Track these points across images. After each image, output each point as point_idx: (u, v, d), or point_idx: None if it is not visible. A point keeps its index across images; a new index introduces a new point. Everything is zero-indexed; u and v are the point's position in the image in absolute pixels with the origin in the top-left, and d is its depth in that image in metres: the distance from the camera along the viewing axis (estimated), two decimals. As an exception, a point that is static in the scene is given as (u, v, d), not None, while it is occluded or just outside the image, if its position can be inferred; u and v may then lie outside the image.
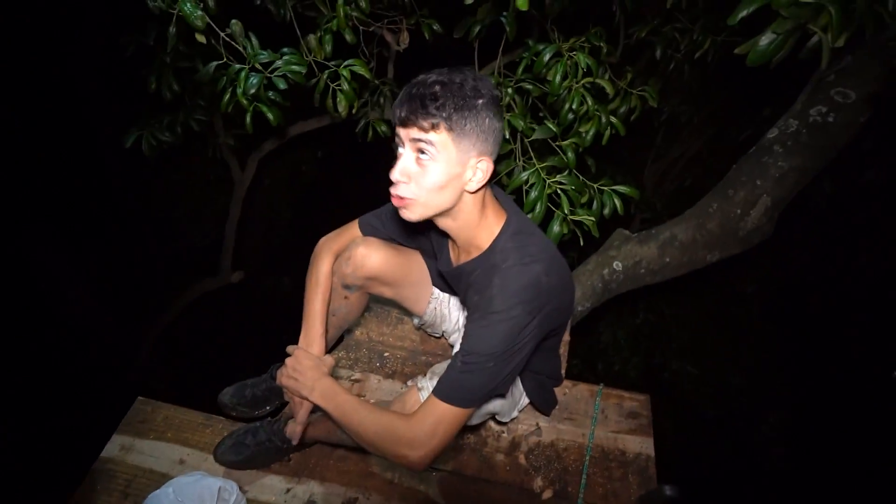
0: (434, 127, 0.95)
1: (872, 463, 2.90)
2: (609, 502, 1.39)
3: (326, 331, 1.37)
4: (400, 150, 1.02)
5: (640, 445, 1.51)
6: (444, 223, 1.10)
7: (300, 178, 4.23)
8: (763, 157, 1.65)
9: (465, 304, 1.19)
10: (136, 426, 1.54)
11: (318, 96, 1.78)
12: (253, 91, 1.54)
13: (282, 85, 1.57)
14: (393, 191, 1.02)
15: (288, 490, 1.40)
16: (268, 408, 1.52)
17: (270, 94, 1.63)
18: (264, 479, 1.42)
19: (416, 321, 1.60)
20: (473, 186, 1.02)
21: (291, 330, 1.51)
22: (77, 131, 3.12)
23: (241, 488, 1.33)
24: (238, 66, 1.56)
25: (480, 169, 1.01)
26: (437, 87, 0.94)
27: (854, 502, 2.86)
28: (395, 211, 1.36)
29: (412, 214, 1.04)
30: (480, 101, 0.96)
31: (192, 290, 3.64)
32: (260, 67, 1.56)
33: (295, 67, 1.55)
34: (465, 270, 1.13)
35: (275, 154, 3.38)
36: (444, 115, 0.94)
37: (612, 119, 1.68)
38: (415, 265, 1.40)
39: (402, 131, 0.99)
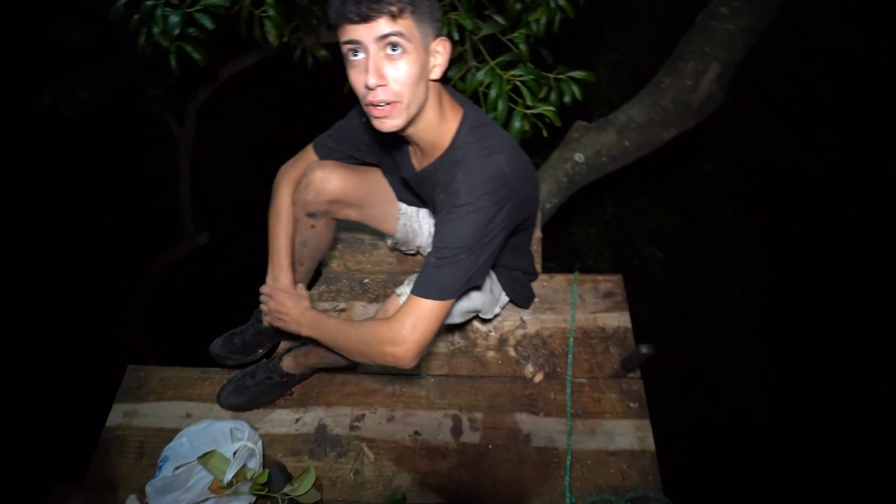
0: (401, 13, 0.87)
1: (830, 316, 3.19)
2: (595, 374, 1.51)
3: (297, 262, 1.37)
4: (357, 56, 0.92)
5: (618, 320, 1.62)
6: (407, 127, 1.05)
7: (245, 123, 3.97)
8: (710, 22, 1.62)
9: (433, 207, 1.19)
10: (133, 392, 1.56)
11: (243, 26, 1.62)
12: (176, 32, 1.38)
13: (207, 23, 1.41)
14: (371, 99, 0.93)
15: (297, 419, 1.47)
16: (260, 351, 1.55)
17: (192, 30, 1.46)
18: (272, 415, 1.48)
19: (388, 241, 1.60)
20: (438, 73, 0.98)
21: (265, 279, 1.50)
22: None
23: (251, 425, 1.39)
24: (150, 1, 1.38)
25: (440, 52, 0.97)
26: None
27: (814, 351, 3.18)
28: (349, 127, 1.31)
29: (397, 120, 0.96)
30: None
31: (160, 259, 3.53)
32: (175, 1, 1.39)
33: (218, 0, 1.39)
34: (428, 172, 1.12)
35: (213, 102, 3.14)
36: None
37: (561, 2, 1.59)
38: (376, 183, 1.38)
39: (361, 31, 0.88)
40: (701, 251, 3.69)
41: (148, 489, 1.22)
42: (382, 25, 0.87)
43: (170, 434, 1.43)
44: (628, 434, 1.40)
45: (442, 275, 0.99)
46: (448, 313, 1.05)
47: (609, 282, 1.71)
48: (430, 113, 1.03)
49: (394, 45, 0.89)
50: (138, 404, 1.53)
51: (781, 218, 3.56)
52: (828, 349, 3.16)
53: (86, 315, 3.15)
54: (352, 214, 1.36)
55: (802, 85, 3.11)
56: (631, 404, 1.45)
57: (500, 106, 1.50)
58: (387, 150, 1.27)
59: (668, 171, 3.60)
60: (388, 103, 0.94)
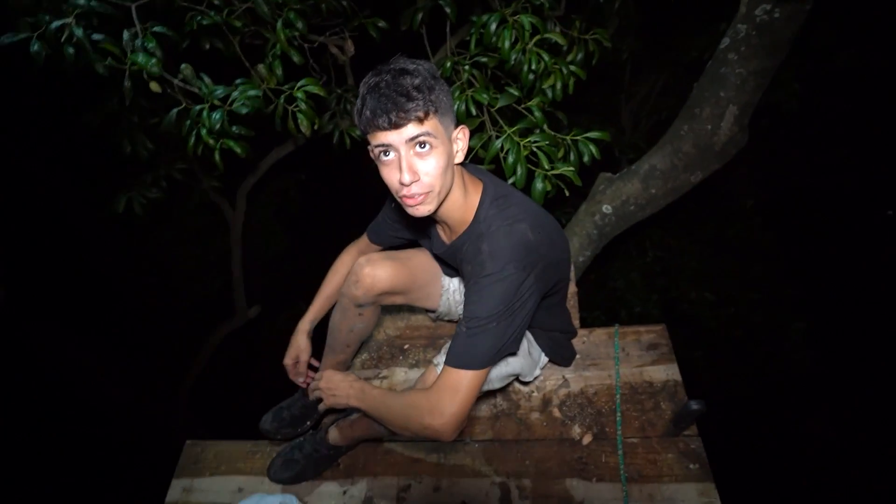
0: (427, 115, 0.95)
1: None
2: (647, 432, 1.44)
3: (345, 345, 1.46)
4: (389, 156, 0.99)
5: (666, 373, 1.55)
6: (438, 210, 1.13)
7: (289, 203, 4.29)
8: (720, 68, 1.66)
9: (462, 278, 1.24)
10: (190, 468, 1.61)
11: (278, 121, 1.82)
12: (217, 126, 1.58)
13: (244, 110, 1.60)
14: (405, 193, 1.01)
15: (344, 492, 1.47)
16: (308, 423, 1.59)
17: (234, 128, 1.66)
18: (320, 487, 1.49)
19: (431, 315, 1.64)
20: (461, 157, 1.06)
21: (314, 350, 1.58)
22: (61, 214, 3.20)
23: (300, 499, 1.40)
24: (198, 106, 1.60)
25: (461, 138, 1.05)
26: (405, 80, 0.94)
27: (881, 391, 2.88)
28: (387, 213, 1.42)
29: (428, 207, 1.03)
30: (435, 75, 1.00)
31: (214, 335, 3.73)
32: (218, 103, 1.59)
33: (251, 93, 1.58)
34: (456, 246, 1.18)
35: (260, 186, 3.43)
36: (430, 99, 0.95)
37: (573, 68, 1.70)
38: (420, 267, 1.43)
39: (391, 136, 0.96)
40: (748, 286, 3.50)
41: (203, 570, 1.23)
42: (411, 129, 0.96)
43: (226, 512, 1.47)
44: (692, 499, 1.30)
45: (474, 344, 1.01)
46: (485, 381, 1.06)
47: (652, 332, 1.66)
48: (456, 193, 1.10)
49: (422, 144, 0.98)
50: (195, 479, 1.58)
51: (824, 243, 3.35)
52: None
53: (145, 393, 3.33)
54: (398, 300, 1.41)
55: (827, 109, 3.05)
56: (691, 465, 1.36)
57: (519, 170, 1.58)
58: (420, 230, 1.35)
59: (703, 207, 3.52)
60: (422, 195, 1.02)
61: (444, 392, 1.01)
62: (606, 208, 1.87)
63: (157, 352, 3.63)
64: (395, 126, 0.95)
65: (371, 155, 1.04)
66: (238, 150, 1.65)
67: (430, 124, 0.97)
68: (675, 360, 1.58)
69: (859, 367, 3.03)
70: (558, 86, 1.71)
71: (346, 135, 2.41)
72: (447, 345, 1.29)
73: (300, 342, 1.48)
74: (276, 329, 3.82)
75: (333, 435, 1.44)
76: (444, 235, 1.27)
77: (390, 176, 1.02)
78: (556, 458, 1.43)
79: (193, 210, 3.53)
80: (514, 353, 1.26)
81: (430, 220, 1.23)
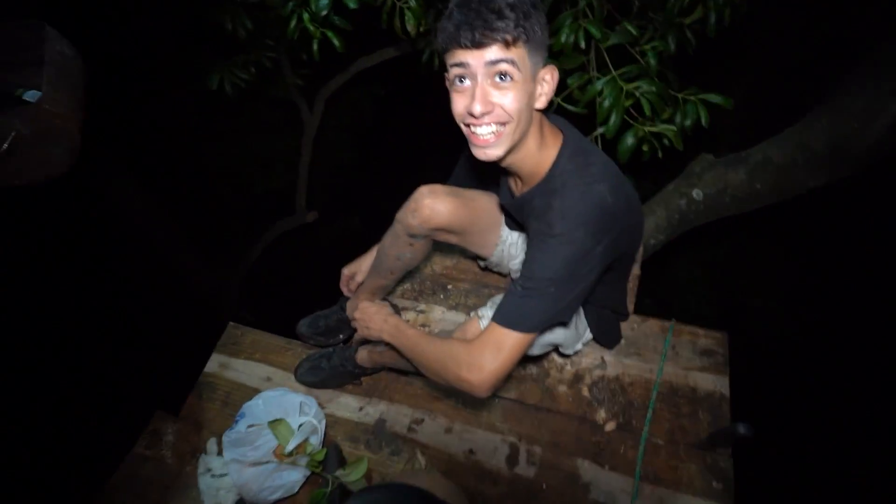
0: (515, 41, 0.84)
1: None
2: (675, 437, 1.36)
3: (388, 271, 1.43)
4: (464, 83, 0.90)
5: (714, 384, 1.44)
6: (510, 157, 1.03)
7: (363, 117, 4.24)
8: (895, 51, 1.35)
9: (527, 233, 1.15)
10: (229, 347, 1.73)
11: (385, 16, 1.70)
12: (324, 12, 1.50)
13: (352, 4, 1.51)
14: (475, 129, 0.92)
15: (361, 408, 1.52)
16: (340, 336, 1.63)
17: (337, 19, 1.59)
18: (340, 398, 1.55)
19: (480, 262, 1.59)
20: (543, 102, 0.95)
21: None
22: (152, 80, 3.31)
23: (319, 404, 1.47)
24: None
25: (547, 80, 0.94)
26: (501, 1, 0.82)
27: None
28: (465, 160, 1.33)
29: (498, 150, 0.94)
30: (535, 3, 0.87)
31: (271, 230, 3.91)
32: None
33: None
34: (525, 199, 1.08)
35: (338, 94, 3.38)
36: (524, 25, 0.83)
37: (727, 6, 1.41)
38: (483, 211, 1.35)
39: (471, 56, 0.86)
40: (821, 313, 3.14)
41: (225, 438, 1.34)
42: (494, 52, 0.85)
43: (251, 391, 1.58)
44: (704, 515, 1.24)
45: (527, 306, 0.95)
46: (530, 345, 1.01)
47: (711, 338, 1.53)
48: (531, 142, 0.99)
49: (503, 75, 0.87)
50: (231, 358, 1.70)
51: None
52: None
53: (200, 269, 3.60)
54: (452, 239, 1.35)
55: None
56: (714, 483, 1.28)
57: (613, 119, 1.38)
58: (490, 178, 1.25)
59: (797, 217, 3.10)
60: (491, 133, 0.92)
61: (487, 348, 0.97)
62: (698, 193, 1.67)
63: (218, 232, 3.88)
64: (478, 45, 0.84)
65: (447, 82, 0.94)
66: (336, 42, 1.58)
67: (517, 53, 0.85)
68: (727, 374, 1.45)
69: None
70: (712, 18, 1.44)
71: (437, 55, 2.27)
72: (494, 298, 1.24)
73: (364, 262, 1.51)
74: (330, 238, 3.95)
75: (361, 355, 1.47)
76: (514, 186, 1.17)
77: (461, 105, 0.92)
78: (574, 435, 1.40)
79: (272, 105, 3.57)
80: (564, 324, 1.19)
81: (501, 169, 1.13)
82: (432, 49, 2.28)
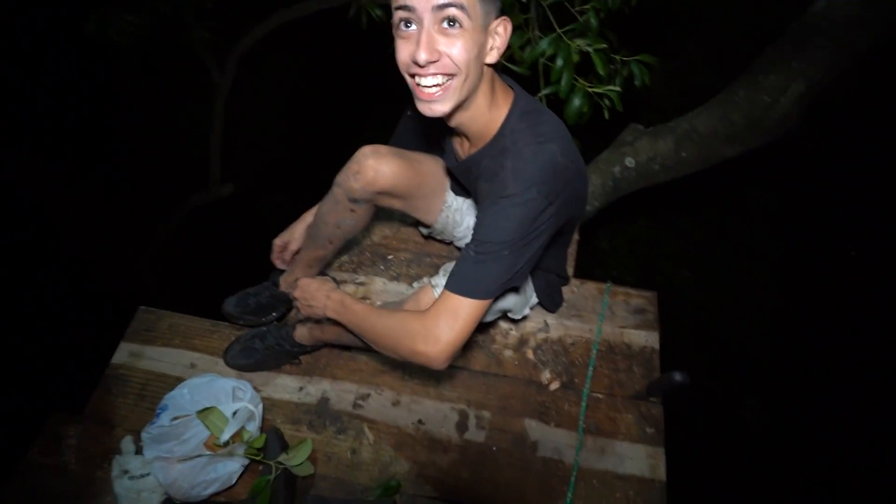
0: None
1: (855, 350, 3.04)
2: (614, 392, 1.44)
3: (327, 240, 1.33)
4: (409, 28, 0.83)
5: (646, 339, 1.53)
6: (457, 116, 0.97)
7: (284, 81, 3.90)
8: (804, 33, 1.47)
9: (476, 197, 1.11)
10: (142, 334, 1.53)
11: None
12: None
13: None
14: (419, 79, 0.86)
15: (301, 388, 1.43)
16: (273, 314, 1.51)
17: None
18: (276, 380, 1.44)
19: (423, 230, 1.53)
20: (495, 56, 0.89)
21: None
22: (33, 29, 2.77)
23: (254, 387, 1.36)
24: None
25: (500, 33, 0.88)
26: None
27: (837, 384, 3.05)
28: (408, 119, 1.24)
29: (445, 105, 0.88)
30: None
31: (182, 206, 3.52)
32: None
33: None
34: (473, 161, 1.04)
35: (256, 53, 3.07)
36: None
37: None
38: (428, 174, 1.28)
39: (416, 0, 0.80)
40: (731, 280, 3.55)
41: (144, 435, 1.19)
42: None
43: (172, 381, 1.41)
44: (640, 460, 1.33)
45: (482, 271, 0.91)
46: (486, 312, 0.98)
47: (643, 297, 1.62)
48: (481, 99, 0.94)
49: (451, 20, 0.80)
50: (145, 346, 1.51)
51: (824, 260, 3.38)
52: (845, 396, 3.04)
53: (102, 248, 3.16)
54: (396, 204, 1.27)
55: (878, 117, 2.90)
56: (647, 429, 1.38)
57: (565, 78, 1.37)
58: (435, 139, 1.19)
59: (708, 193, 3.43)
60: (437, 85, 0.86)
61: (442, 317, 0.92)
62: (629, 161, 1.74)
63: (118, 211, 3.41)
64: None
65: (392, 30, 0.86)
66: None
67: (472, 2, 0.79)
68: (657, 329, 1.56)
69: (809, 372, 3.19)
70: None
71: (365, 11, 2.11)
72: (444, 266, 1.19)
73: (297, 230, 1.41)
74: (252, 213, 3.64)
75: (300, 332, 1.37)
76: (459, 148, 1.12)
77: (405, 52, 0.84)
78: (520, 397, 1.42)
79: (177, 64, 3.14)
80: (516, 289, 1.18)
81: (447, 129, 1.07)
82: (360, 3, 2.12)
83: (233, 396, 1.26)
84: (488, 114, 0.97)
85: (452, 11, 0.79)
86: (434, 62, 0.83)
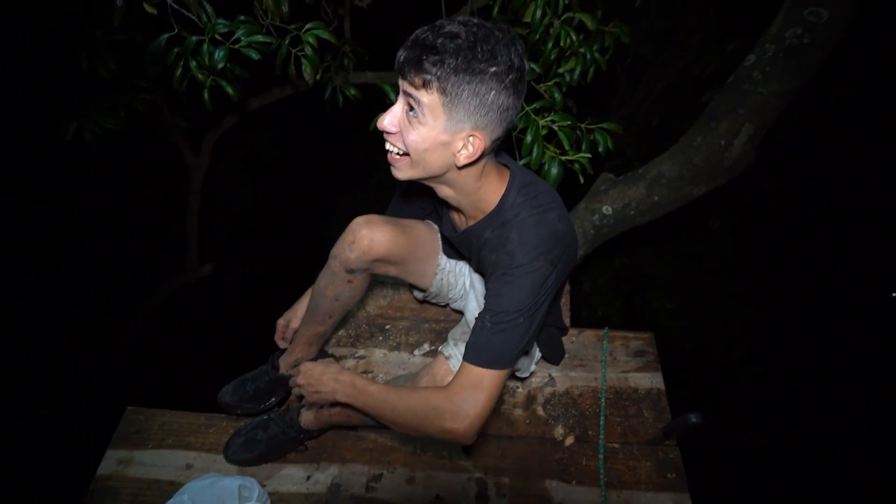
0: (425, 85, 0.83)
1: (833, 373, 3.14)
2: (629, 439, 1.42)
3: (327, 315, 1.32)
4: (395, 100, 0.92)
5: (651, 381, 1.54)
6: (441, 191, 1.03)
7: (260, 159, 3.97)
8: (743, 84, 1.64)
9: (479, 266, 1.14)
10: (130, 438, 1.44)
11: (279, 64, 1.62)
12: (220, 65, 1.38)
13: (254, 56, 1.41)
14: (385, 141, 0.95)
15: (308, 477, 1.35)
16: (273, 399, 1.45)
17: (236, 69, 1.47)
18: (282, 471, 1.36)
19: (418, 294, 1.54)
20: (461, 161, 0.91)
21: (273, 317, 1.45)
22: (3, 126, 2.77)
23: (259, 482, 1.28)
24: (196, 37, 1.39)
25: (471, 143, 0.89)
26: (443, 40, 0.80)
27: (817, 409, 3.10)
28: (404, 189, 1.30)
29: (401, 173, 0.96)
30: (492, 69, 0.81)
31: (161, 289, 3.43)
32: (220, 38, 1.39)
33: (259, 38, 1.39)
34: (473, 233, 1.08)
35: (231, 134, 3.14)
36: (437, 74, 0.81)
37: (596, 55, 1.61)
38: (421, 240, 1.32)
39: (401, 80, 0.87)
40: (709, 303, 3.65)
41: (143, 555, 1.09)
42: (407, 84, 0.85)
43: (166, 487, 1.32)
44: (667, 509, 1.30)
45: (501, 341, 0.93)
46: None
47: (640, 339, 1.65)
48: (467, 181, 0.98)
49: (412, 108, 0.87)
50: (134, 451, 1.41)
51: (790, 272, 3.55)
52: (837, 400, 3.09)
53: (81, 345, 3.00)
54: (391, 271, 1.29)
55: (816, 137, 3.17)
56: (668, 475, 1.35)
57: (536, 151, 1.48)
58: (431, 208, 1.24)
59: (677, 223, 3.61)
60: (394, 153, 0.94)
61: (468, 392, 0.92)
62: (607, 209, 1.83)
63: (97, 302, 3.28)
64: (399, 71, 0.86)
65: None
66: (231, 91, 1.46)
67: (429, 98, 0.84)
68: (660, 369, 1.57)
69: (797, 387, 3.25)
70: (577, 71, 1.63)
71: (340, 93, 2.22)
72: (452, 333, 1.20)
73: (299, 308, 1.40)
74: (231, 292, 3.57)
75: (307, 417, 1.32)
76: (457, 220, 1.17)
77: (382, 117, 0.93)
78: (537, 458, 1.38)
79: (152, 150, 3.18)
80: (527, 353, 1.19)
81: (441, 201, 1.12)
82: (335, 85, 2.24)
83: (239, 497, 1.18)
84: (479, 193, 1.01)
85: (412, 102, 0.87)
86: (391, 133, 0.92)
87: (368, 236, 1.17)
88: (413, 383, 1.13)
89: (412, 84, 0.84)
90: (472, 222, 1.08)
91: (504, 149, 1.19)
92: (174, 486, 1.27)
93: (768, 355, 3.39)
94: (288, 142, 3.96)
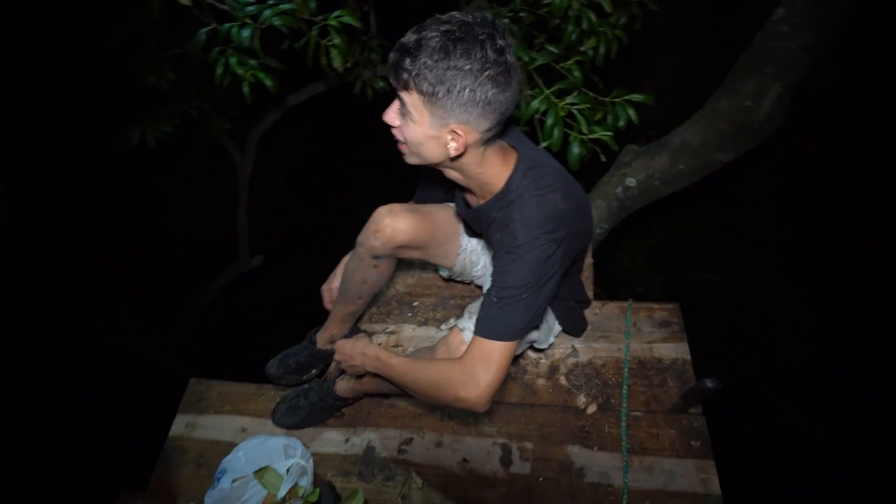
0: (405, 86, 0.89)
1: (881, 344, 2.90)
2: (652, 407, 1.44)
3: (356, 296, 1.42)
4: None
5: (676, 351, 1.55)
6: (448, 174, 1.10)
7: (300, 154, 4.19)
8: (769, 41, 1.57)
9: (488, 242, 1.20)
10: (194, 405, 1.63)
11: (310, 55, 1.72)
12: (247, 44, 1.50)
13: (277, 23, 1.51)
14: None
15: (346, 440, 1.48)
16: (314, 371, 1.59)
17: (272, 62, 1.59)
18: (323, 435, 1.50)
19: (443, 273, 1.62)
20: (451, 153, 0.97)
21: (316, 300, 1.58)
22: (68, 136, 3.12)
23: (303, 444, 1.42)
24: (227, 24, 1.52)
25: (458, 135, 0.93)
26: (418, 41, 0.85)
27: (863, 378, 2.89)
28: (426, 169, 1.39)
29: (408, 160, 1.05)
30: (466, 67, 0.84)
31: (216, 280, 3.73)
32: (248, 21, 1.51)
33: (285, 6, 1.50)
34: (483, 211, 1.13)
35: (271, 134, 3.34)
36: (413, 75, 0.86)
37: (617, 31, 1.60)
38: (442, 223, 1.39)
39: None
40: (754, 275, 3.49)
41: (207, 500, 1.25)
42: (395, 86, 0.93)
43: (226, 447, 1.49)
44: (690, 475, 1.31)
45: (506, 315, 0.99)
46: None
47: (665, 310, 1.64)
48: (468, 168, 1.04)
49: (403, 105, 0.94)
50: (199, 416, 1.60)
51: (835, 239, 3.31)
52: (885, 381, 2.87)
53: (147, 330, 3.35)
54: (415, 255, 1.38)
55: (863, 102, 2.93)
56: (692, 442, 1.36)
57: (556, 133, 1.51)
58: (448, 188, 1.31)
59: (716, 193, 3.46)
60: (399, 142, 1.02)
61: (478, 363, 0.99)
62: (630, 181, 1.82)
63: (159, 293, 3.64)
64: (389, 71, 0.94)
65: None
66: (268, 82, 1.58)
67: (410, 99, 0.91)
68: (685, 339, 1.57)
69: (852, 367, 3.06)
70: (601, 49, 1.62)
71: (369, 86, 2.32)
72: (469, 308, 1.27)
73: (339, 273, 1.51)
74: (278, 280, 3.82)
75: (342, 386, 1.44)
76: (469, 198, 1.23)
77: None
78: (559, 424, 1.44)
79: (201, 153, 3.45)
80: (537, 326, 1.25)
81: (453, 181, 1.18)
82: (363, 80, 2.33)
83: (285, 454, 1.33)
84: (483, 176, 1.07)
85: (399, 103, 0.95)
86: (394, 126, 1.00)
87: (391, 225, 1.25)
88: (431, 354, 1.22)
89: (396, 85, 0.92)
90: (482, 201, 1.14)
91: (528, 133, 1.24)
92: (232, 446, 1.43)
93: (814, 330, 3.20)
94: (324, 138, 4.14)
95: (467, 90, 0.87)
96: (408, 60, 0.87)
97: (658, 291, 3.65)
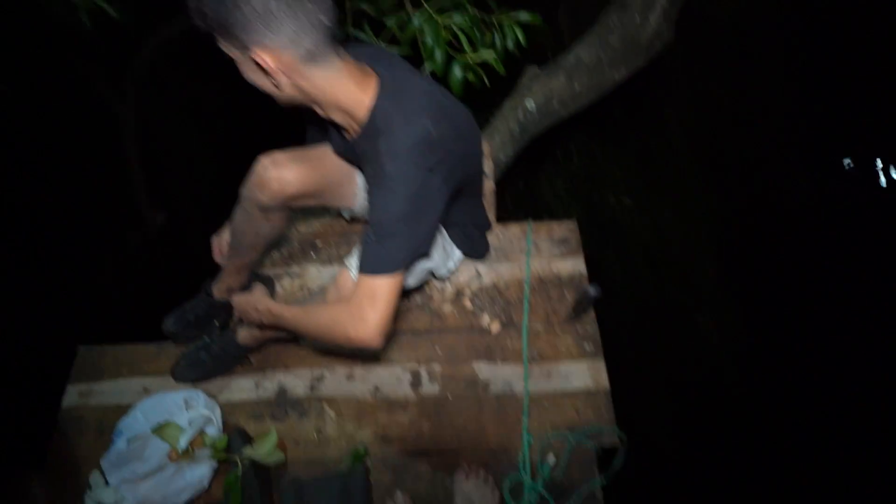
0: (209, 30, 0.84)
1: (796, 265, 3.22)
2: (551, 319, 1.54)
3: (251, 248, 1.35)
4: None
5: (573, 266, 1.63)
6: (317, 112, 1.02)
7: (192, 94, 3.77)
8: (654, -49, 1.56)
9: (366, 178, 1.15)
10: (87, 373, 1.53)
11: None
12: None
13: None
14: None
15: (257, 385, 1.47)
16: (215, 322, 1.53)
17: None
18: (232, 383, 1.48)
19: (346, 214, 1.56)
20: (283, 77, 0.89)
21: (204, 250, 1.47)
22: None
23: (211, 396, 1.39)
24: None
25: (265, 61, 0.85)
26: None
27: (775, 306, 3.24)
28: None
29: (279, 101, 0.98)
30: None
31: (122, 244, 3.42)
32: None
33: None
34: (355, 144, 1.06)
35: (157, 77, 2.96)
36: (191, 12, 0.81)
37: None
38: (333, 166, 1.29)
39: None
40: (665, 197, 3.74)
41: (103, 463, 1.21)
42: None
43: (128, 410, 1.42)
44: (583, 374, 1.44)
45: (384, 249, 0.96)
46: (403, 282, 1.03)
47: (564, 227, 1.71)
48: (316, 97, 0.95)
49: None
50: (93, 384, 1.51)
51: (742, 157, 3.59)
52: (794, 296, 3.22)
53: (35, 297, 3.04)
54: (310, 202, 1.29)
55: (760, 19, 3.05)
56: (586, 346, 1.48)
57: (438, 55, 1.43)
58: (323, 128, 1.22)
59: (630, 118, 3.57)
60: None
61: (364, 301, 0.97)
62: (530, 104, 1.80)
63: (53, 254, 3.28)
64: None
65: None
66: (112, 12, 1.35)
67: (221, 44, 0.86)
68: (581, 253, 1.65)
69: (762, 285, 3.37)
70: None
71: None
72: (357, 245, 1.24)
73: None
74: (172, 234, 3.56)
75: (243, 336, 1.40)
76: (345, 135, 1.15)
77: None
78: (466, 345, 1.50)
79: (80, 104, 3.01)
80: (426, 255, 1.24)
81: (323, 119, 1.10)
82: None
83: (186, 406, 1.30)
84: (340, 103, 0.97)
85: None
86: None
87: (277, 178, 1.16)
88: (323, 297, 1.20)
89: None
90: (353, 135, 1.07)
91: (411, 58, 1.15)
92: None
93: (729, 254, 3.51)
94: (216, 76, 3.72)
95: (238, 10, 0.78)
96: (192, 12, 0.81)
97: (577, 214, 3.81)
